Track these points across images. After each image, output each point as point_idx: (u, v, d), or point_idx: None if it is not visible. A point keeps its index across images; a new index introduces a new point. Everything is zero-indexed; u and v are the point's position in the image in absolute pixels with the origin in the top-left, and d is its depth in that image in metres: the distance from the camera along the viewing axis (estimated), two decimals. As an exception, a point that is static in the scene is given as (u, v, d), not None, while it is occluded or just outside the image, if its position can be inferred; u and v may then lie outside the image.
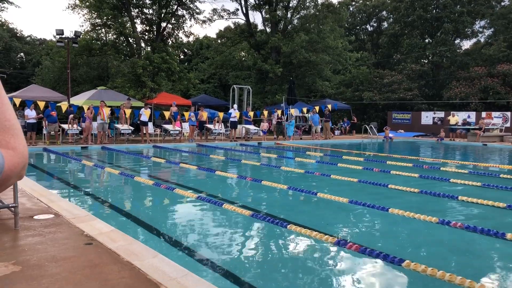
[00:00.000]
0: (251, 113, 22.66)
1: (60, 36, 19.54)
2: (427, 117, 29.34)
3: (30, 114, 16.92)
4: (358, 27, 45.72)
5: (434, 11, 34.83)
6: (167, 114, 20.22)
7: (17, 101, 17.94)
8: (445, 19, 33.26)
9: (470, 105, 29.63)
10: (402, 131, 28.87)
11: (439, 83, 33.92)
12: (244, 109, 24.50)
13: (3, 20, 36.15)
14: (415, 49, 34.87)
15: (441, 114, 28.57)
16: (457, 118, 25.22)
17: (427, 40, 36.17)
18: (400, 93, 32.36)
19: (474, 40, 37.47)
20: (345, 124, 29.15)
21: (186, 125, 20.84)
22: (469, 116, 26.23)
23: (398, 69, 35.91)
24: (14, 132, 0.87)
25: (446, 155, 16.96)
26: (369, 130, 24.87)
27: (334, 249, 4.69)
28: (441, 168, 11.46)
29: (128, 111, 19.16)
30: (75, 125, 17.96)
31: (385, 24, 43.07)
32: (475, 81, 30.73)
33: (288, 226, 5.23)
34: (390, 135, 24.85)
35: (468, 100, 29.59)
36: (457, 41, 35.96)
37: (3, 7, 22.08)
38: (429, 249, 4.93)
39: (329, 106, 24.59)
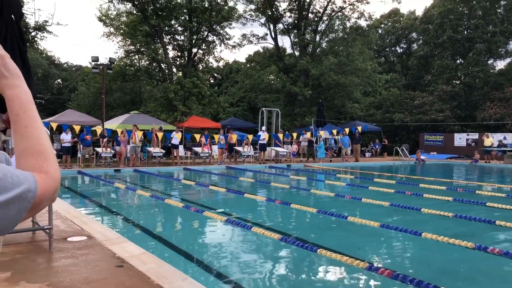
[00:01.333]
0: (280, 135, 22.69)
1: (96, 62, 20.26)
2: (460, 139, 28.59)
3: (66, 138, 17.52)
4: (387, 49, 45.50)
5: (465, 32, 34.32)
6: (197, 137, 20.52)
7: (54, 126, 18.62)
8: (477, 39, 32.69)
9: (506, 126, 28.76)
10: (435, 153, 28.23)
11: (472, 104, 33.15)
12: (273, 131, 24.55)
13: (42, 49, 37.81)
14: (446, 70, 34.32)
15: (475, 136, 27.80)
16: (491, 139, 24.45)
17: (458, 61, 35.55)
18: (431, 115, 31.78)
19: (508, 60, 36.53)
20: (376, 146, 28.79)
21: (215, 148, 21.07)
22: (505, 138, 25.40)
23: (429, 90, 35.36)
24: (47, 156, 0.90)
25: (481, 178, 16.44)
26: (400, 152, 24.43)
27: (365, 274, 4.59)
28: (477, 192, 11.10)
29: (160, 135, 19.56)
30: (108, 149, 18.43)
31: (415, 46, 42.70)
32: (510, 101, 29.91)
33: (318, 251, 5.16)
34: (422, 157, 24.32)
35: (503, 122, 28.74)
36: (490, 61, 35.17)
37: (43, 36, 23.21)
38: (464, 275, 4.76)
39: (359, 128, 24.38)
